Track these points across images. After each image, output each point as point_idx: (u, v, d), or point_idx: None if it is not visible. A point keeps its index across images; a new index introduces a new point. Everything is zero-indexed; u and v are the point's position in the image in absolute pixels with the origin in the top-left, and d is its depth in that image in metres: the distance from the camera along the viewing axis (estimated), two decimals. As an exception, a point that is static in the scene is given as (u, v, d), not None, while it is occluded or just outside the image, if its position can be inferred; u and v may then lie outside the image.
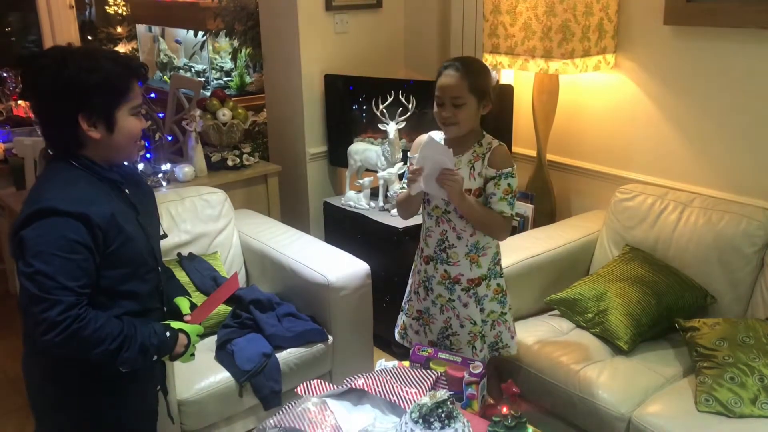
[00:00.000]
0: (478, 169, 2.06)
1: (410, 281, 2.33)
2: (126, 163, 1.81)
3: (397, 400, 1.75)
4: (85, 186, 1.60)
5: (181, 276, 2.60)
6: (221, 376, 2.35)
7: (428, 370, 1.90)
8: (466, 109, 2.01)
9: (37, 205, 1.52)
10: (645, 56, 2.85)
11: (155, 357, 1.67)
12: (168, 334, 1.70)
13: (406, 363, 2.01)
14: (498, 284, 2.19)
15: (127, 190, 1.71)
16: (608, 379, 2.24)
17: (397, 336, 2.38)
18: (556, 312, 2.65)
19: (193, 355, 1.79)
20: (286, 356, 2.47)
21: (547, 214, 3.11)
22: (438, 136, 2.16)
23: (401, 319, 2.37)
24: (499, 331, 2.21)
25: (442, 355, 1.98)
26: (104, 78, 1.57)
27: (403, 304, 2.37)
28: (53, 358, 1.61)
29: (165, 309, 1.83)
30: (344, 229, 3.33)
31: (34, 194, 1.59)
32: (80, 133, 1.58)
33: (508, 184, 2.05)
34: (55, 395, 1.67)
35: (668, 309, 2.43)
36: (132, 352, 1.59)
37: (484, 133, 2.12)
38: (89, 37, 6.36)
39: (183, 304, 1.88)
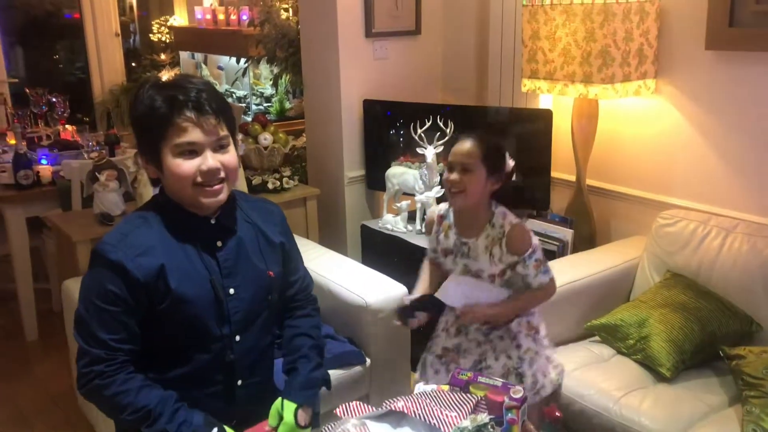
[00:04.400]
0: (498, 254, 2.00)
1: (442, 319, 2.25)
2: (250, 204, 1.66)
3: (437, 423, 1.73)
4: (145, 232, 1.48)
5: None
6: (260, 396, 2.36)
7: (468, 394, 1.89)
8: (474, 177, 1.92)
9: (97, 246, 1.47)
10: (686, 81, 2.83)
11: None
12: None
13: (445, 387, 2.00)
14: (528, 321, 2.14)
15: (219, 242, 1.54)
16: (651, 406, 2.20)
17: (418, 373, 2.29)
18: (597, 338, 2.61)
19: None
20: (324, 378, 2.47)
21: (586, 239, 3.09)
22: (445, 208, 2.12)
23: (423, 355, 2.29)
24: (534, 372, 2.13)
25: (482, 379, 1.97)
26: (143, 111, 1.45)
27: (429, 343, 2.29)
28: None
29: (240, 382, 1.64)
30: (381, 252, 3.34)
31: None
32: (147, 169, 1.50)
33: (536, 260, 2.01)
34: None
35: (712, 336, 2.38)
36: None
37: (494, 209, 2.02)
38: (133, 64, 6.57)
39: (273, 412, 1.63)
